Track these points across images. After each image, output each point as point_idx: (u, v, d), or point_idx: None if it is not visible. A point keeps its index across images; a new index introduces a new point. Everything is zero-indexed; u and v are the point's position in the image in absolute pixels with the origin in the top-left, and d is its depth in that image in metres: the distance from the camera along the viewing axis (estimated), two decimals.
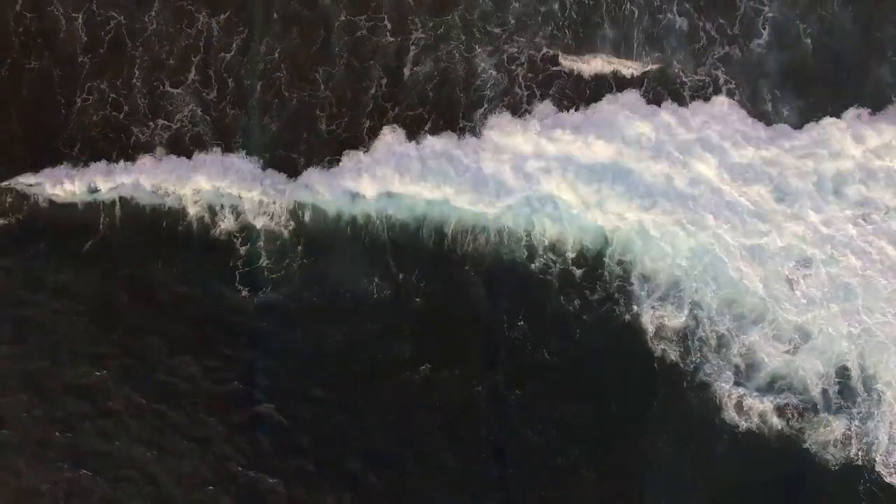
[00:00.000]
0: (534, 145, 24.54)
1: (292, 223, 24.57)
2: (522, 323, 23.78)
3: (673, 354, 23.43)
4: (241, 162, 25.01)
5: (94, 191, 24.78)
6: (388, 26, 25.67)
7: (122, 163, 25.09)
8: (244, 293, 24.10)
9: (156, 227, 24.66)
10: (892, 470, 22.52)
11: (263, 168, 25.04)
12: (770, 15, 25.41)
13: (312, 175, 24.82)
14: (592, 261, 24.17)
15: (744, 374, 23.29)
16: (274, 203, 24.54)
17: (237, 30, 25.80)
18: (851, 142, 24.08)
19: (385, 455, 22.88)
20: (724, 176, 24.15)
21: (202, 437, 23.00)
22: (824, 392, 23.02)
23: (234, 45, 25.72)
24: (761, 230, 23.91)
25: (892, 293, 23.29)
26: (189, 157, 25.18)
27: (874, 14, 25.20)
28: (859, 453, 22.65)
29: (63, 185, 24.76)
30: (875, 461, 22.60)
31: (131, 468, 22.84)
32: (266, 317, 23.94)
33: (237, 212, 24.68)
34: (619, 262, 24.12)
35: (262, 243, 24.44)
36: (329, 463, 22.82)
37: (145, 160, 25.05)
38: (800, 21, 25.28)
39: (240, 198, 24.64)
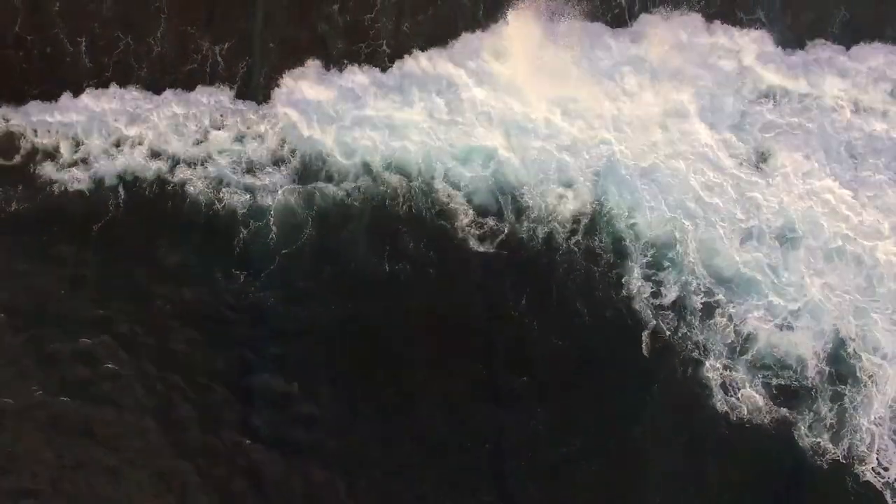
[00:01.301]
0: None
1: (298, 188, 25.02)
2: (525, 302, 24.01)
3: (665, 334, 23.54)
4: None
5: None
6: (387, 51, 25.91)
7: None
8: (248, 268, 24.47)
9: (160, 204, 25.02)
10: (873, 467, 22.56)
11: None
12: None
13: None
14: (585, 231, 24.35)
15: (735, 353, 23.38)
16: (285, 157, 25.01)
17: (244, 58, 26.12)
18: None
19: (385, 441, 23.27)
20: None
21: (207, 407, 23.40)
22: (816, 373, 23.05)
23: (238, 77, 26.10)
24: (746, 199, 23.85)
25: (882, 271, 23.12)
26: None
27: (874, 36, 25.09)
28: (847, 442, 22.76)
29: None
30: (860, 457, 22.67)
31: (136, 438, 23.25)
32: (272, 291, 24.24)
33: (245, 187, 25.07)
34: (609, 227, 24.22)
35: (270, 218, 24.76)
36: (332, 440, 23.28)
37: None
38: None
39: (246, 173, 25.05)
